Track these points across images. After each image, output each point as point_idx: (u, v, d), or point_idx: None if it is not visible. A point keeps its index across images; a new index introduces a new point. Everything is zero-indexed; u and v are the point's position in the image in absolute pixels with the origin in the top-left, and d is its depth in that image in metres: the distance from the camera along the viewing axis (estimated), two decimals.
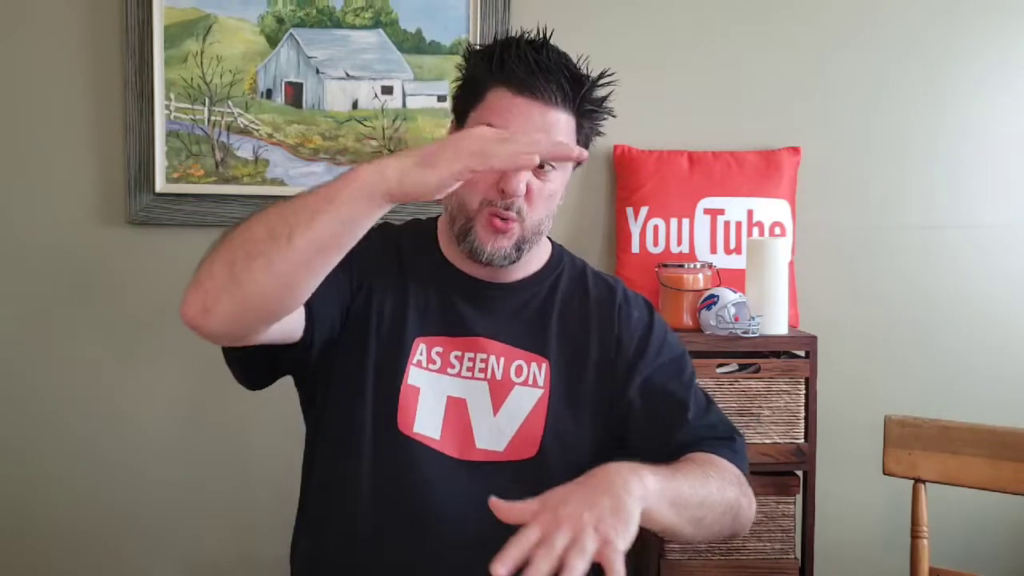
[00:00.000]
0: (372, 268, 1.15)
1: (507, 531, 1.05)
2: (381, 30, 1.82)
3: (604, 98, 1.15)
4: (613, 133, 1.85)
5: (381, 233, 1.19)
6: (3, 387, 1.83)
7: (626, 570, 0.81)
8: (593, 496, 0.85)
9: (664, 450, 1.06)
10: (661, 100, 1.88)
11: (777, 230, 1.82)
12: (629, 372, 1.15)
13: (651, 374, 1.15)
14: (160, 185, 1.80)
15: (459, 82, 1.16)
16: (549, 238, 1.24)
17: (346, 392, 1.12)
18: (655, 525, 0.92)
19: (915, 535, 1.31)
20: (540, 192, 1.10)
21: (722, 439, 1.12)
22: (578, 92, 1.10)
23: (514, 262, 1.12)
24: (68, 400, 1.83)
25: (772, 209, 1.82)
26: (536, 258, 1.20)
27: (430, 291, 1.16)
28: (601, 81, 1.14)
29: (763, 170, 1.83)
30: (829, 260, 1.91)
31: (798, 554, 1.63)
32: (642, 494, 0.88)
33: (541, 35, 1.13)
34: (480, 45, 1.16)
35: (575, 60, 1.13)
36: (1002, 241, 1.93)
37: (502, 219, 1.09)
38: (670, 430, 1.12)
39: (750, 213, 1.81)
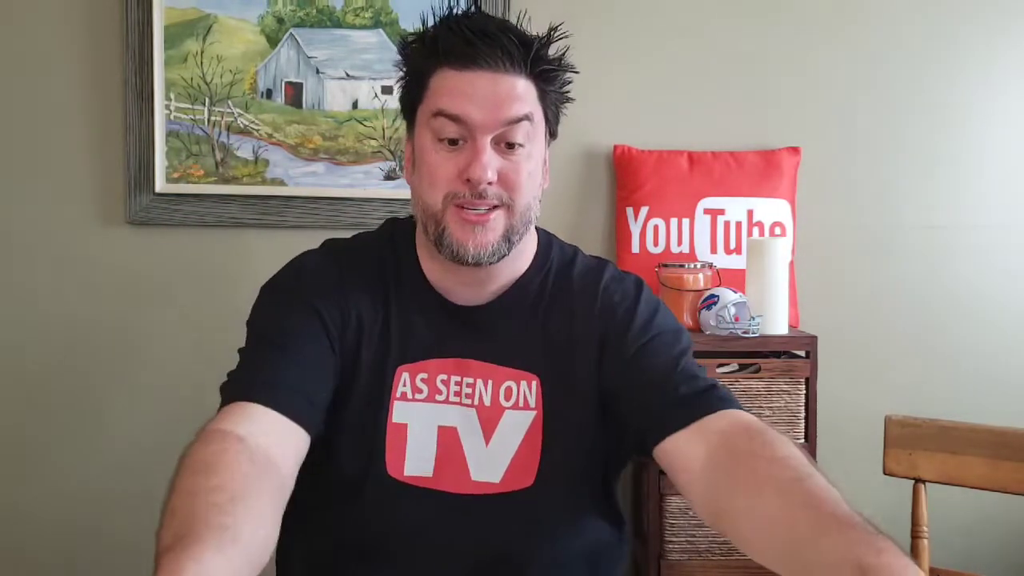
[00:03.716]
0: (357, 294, 1.04)
1: (505, 567, 1.02)
2: (381, 30, 1.82)
3: (560, 56, 1.02)
4: (613, 133, 1.87)
5: (359, 252, 1.09)
6: (3, 386, 1.83)
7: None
8: None
9: (661, 410, 0.96)
10: (661, 100, 1.89)
11: (777, 230, 1.82)
12: (616, 360, 1.02)
13: (636, 353, 1.02)
14: (160, 185, 1.80)
15: (402, 80, 1.05)
16: (537, 227, 1.12)
17: (333, 438, 1.01)
18: None
19: (915, 535, 1.31)
20: (516, 172, 0.99)
21: (713, 391, 0.99)
22: (528, 53, 0.98)
23: (504, 256, 1.01)
24: (68, 399, 1.83)
25: (772, 209, 1.82)
26: (521, 258, 1.08)
27: (412, 311, 1.05)
28: (554, 37, 1.02)
29: (763, 170, 1.83)
30: (829, 260, 1.91)
31: None
32: None
33: (473, 6, 1.02)
34: (413, 35, 1.04)
35: (516, 23, 1.02)
36: (1002, 241, 1.93)
37: (474, 212, 0.98)
38: (662, 387, 0.99)
39: (750, 213, 1.81)
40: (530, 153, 1.00)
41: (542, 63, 1.00)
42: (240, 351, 1.02)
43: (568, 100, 1.07)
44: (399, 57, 1.05)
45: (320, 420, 0.97)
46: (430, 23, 1.02)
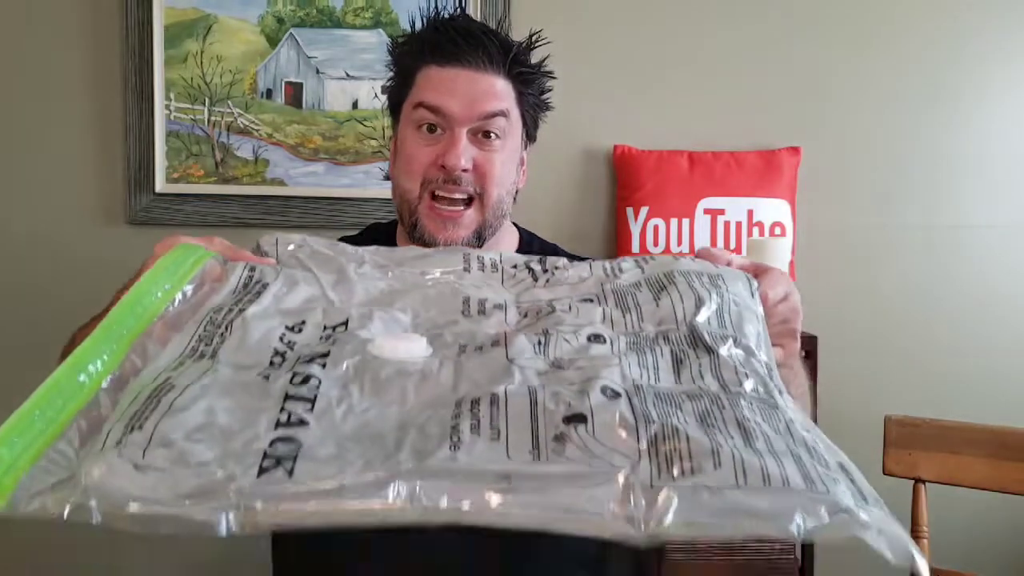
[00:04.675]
0: None
1: (504, 565, 1.02)
2: (381, 30, 1.82)
3: (540, 63, 1.08)
4: (613, 133, 1.87)
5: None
6: (3, 387, 1.83)
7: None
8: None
9: None
10: (661, 100, 1.89)
11: (777, 230, 1.82)
12: None
13: None
14: (160, 185, 1.80)
15: (391, 80, 1.11)
16: (516, 224, 1.17)
17: None
18: None
19: (915, 535, 1.31)
20: (490, 163, 1.04)
21: None
22: (507, 56, 1.04)
23: None
24: None
25: (772, 209, 1.82)
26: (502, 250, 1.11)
27: None
28: (535, 44, 1.08)
29: (763, 170, 1.83)
30: (829, 260, 1.91)
31: (798, 554, 1.63)
32: None
33: (459, 9, 1.10)
34: (402, 37, 1.11)
35: (500, 29, 1.10)
36: (1002, 241, 1.93)
37: (448, 199, 1.01)
38: None
39: (750, 213, 1.81)
40: (504, 147, 1.05)
41: (520, 66, 1.06)
42: None
43: (548, 108, 1.12)
44: (388, 57, 1.11)
45: None
46: (418, 25, 1.08)
